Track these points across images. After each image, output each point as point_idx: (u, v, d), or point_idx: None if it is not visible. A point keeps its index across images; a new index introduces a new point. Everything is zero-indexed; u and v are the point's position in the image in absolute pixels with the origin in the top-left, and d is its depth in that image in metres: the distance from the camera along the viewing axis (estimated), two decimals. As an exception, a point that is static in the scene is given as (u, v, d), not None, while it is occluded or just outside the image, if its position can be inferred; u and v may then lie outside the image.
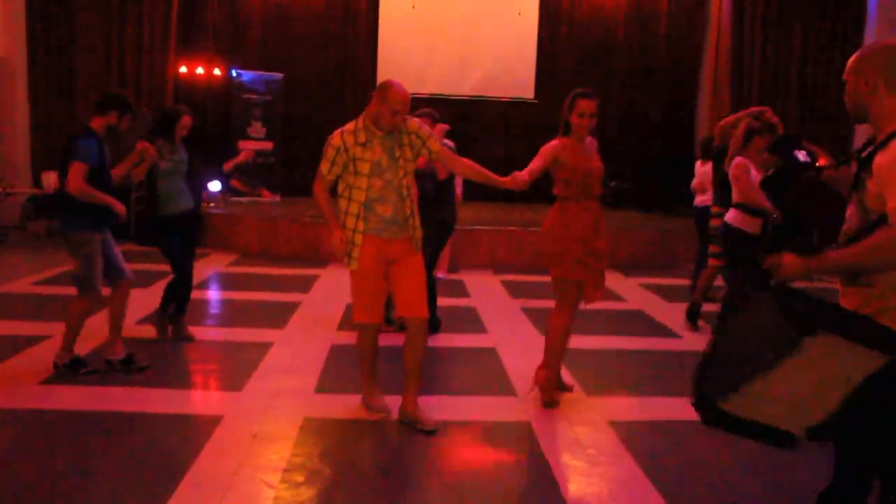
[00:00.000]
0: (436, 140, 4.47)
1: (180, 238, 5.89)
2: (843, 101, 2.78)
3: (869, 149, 2.66)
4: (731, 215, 6.09)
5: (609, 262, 8.86)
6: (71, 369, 5.14)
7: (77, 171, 4.91)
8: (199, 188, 6.16)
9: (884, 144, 2.57)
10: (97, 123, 5.10)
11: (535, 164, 4.65)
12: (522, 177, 4.41)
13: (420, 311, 4.47)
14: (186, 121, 5.86)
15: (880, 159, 2.55)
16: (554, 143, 4.76)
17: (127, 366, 5.21)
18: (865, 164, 2.63)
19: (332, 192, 4.48)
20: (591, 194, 4.81)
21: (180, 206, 5.82)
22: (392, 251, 4.41)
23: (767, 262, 2.74)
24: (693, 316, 7.10)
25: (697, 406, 2.91)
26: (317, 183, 4.47)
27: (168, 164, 5.75)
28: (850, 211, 2.74)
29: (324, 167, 4.38)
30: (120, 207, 5.06)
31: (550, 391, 4.89)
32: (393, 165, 4.32)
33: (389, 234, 4.37)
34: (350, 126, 4.38)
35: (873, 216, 2.59)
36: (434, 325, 6.78)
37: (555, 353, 4.88)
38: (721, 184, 6.87)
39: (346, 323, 6.82)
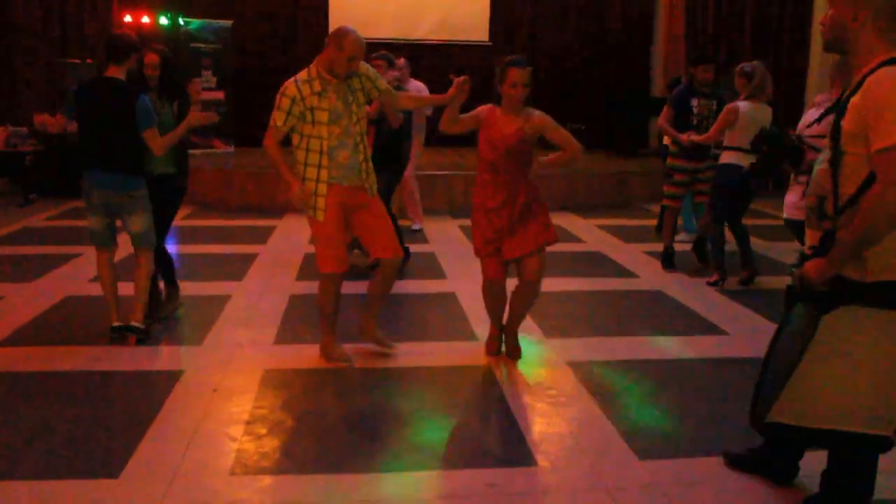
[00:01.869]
0: (383, 80, 4.48)
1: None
2: (822, 31, 2.77)
3: (846, 94, 2.66)
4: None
5: (567, 204, 8.85)
6: (148, 335, 4.99)
7: (155, 136, 4.80)
8: (181, 153, 5.53)
9: (859, 86, 2.57)
10: (119, 72, 4.75)
11: (465, 118, 4.54)
12: (462, 79, 4.30)
13: (397, 251, 4.62)
14: (150, 58, 5.24)
15: (856, 99, 2.56)
16: (484, 107, 4.57)
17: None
18: (843, 109, 2.62)
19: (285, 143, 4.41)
20: (501, 170, 4.48)
21: (156, 168, 5.21)
22: (353, 197, 4.45)
23: (794, 276, 2.74)
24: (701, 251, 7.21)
25: (752, 425, 2.95)
26: (268, 136, 4.36)
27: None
28: (823, 166, 2.73)
29: (278, 118, 4.28)
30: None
31: (489, 346, 4.88)
32: (348, 111, 4.32)
33: (349, 182, 4.40)
34: (303, 75, 4.30)
35: (849, 159, 2.59)
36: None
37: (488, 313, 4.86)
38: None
39: (304, 273, 6.79)
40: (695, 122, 6.96)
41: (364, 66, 4.41)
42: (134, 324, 4.94)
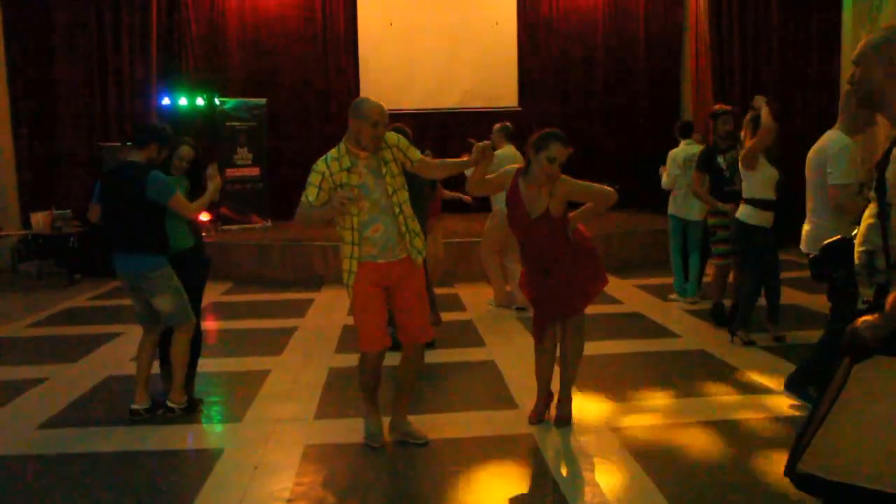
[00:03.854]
0: (415, 150, 4.44)
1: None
2: (854, 86, 2.71)
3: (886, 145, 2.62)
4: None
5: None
6: (190, 410, 5.12)
7: (180, 201, 4.96)
8: (195, 225, 5.74)
9: None
10: (139, 156, 4.98)
11: (492, 181, 4.59)
12: (483, 144, 4.24)
13: (420, 338, 4.49)
14: (185, 152, 5.57)
15: None
16: (508, 174, 4.54)
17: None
18: (886, 160, 2.56)
19: None
20: (535, 244, 4.54)
21: (178, 243, 5.38)
22: (390, 274, 4.34)
23: (847, 335, 2.62)
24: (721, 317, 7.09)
25: (786, 475, 2.81)
26: (298, 212, 4.32)
27: None
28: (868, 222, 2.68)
29: (311, 193, 4.24)
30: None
31: (533, 414, 4.82)
32: (381, 184, 4.25)
33: (384, 258, 4.30)
34: (333, 153, 4.28)
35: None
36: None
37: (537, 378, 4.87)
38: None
39: (343, 346, 6.79)
40: (727, 175, 7.01)
41: (394, 137, 4.37)
42: (170, 404, 5.07)
